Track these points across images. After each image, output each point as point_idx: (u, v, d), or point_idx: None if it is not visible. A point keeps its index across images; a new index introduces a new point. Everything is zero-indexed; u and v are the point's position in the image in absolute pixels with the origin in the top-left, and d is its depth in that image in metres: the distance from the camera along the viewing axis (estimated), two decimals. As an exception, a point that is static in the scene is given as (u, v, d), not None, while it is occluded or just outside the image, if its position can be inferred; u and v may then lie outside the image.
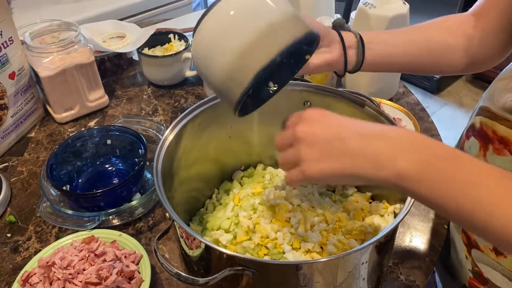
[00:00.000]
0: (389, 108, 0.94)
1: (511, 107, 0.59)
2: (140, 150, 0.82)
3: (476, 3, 0.68)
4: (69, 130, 0.99)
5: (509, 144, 0.60)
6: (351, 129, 0.45)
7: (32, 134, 0.99)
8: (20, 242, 0.75)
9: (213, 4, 0.49)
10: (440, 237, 0.75)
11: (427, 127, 0.95)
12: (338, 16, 1.21)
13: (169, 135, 0.63)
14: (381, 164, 0.42)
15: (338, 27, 0.67)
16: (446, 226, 0.76)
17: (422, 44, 0.68)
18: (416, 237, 0.75)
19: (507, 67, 0.66)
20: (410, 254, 0.72)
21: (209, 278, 0.49)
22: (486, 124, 0.64)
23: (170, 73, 1.07)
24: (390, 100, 1.00)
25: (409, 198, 0.53)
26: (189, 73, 1.11)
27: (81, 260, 0.64)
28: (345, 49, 0.64)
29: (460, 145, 0.76)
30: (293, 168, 0.46)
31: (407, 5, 0.91)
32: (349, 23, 1.12)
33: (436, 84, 2.49)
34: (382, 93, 1.01)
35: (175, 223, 0.53)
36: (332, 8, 1.16)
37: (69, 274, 0.62)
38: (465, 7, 2.08)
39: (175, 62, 1.06)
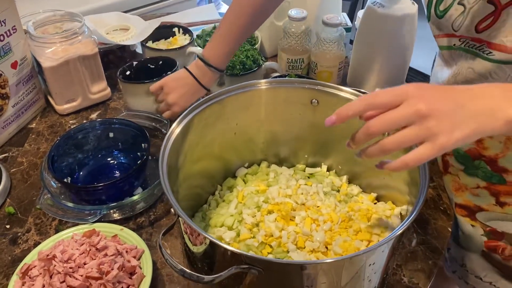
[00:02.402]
0: (394, 109, 0.93)
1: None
2: (143, 144, 0.81)
3: None
4: (70, 122, 0.98)
5: None
6: (463, 94, 0.48)
7: (33, 125, 0.98)
8: (19, 234, 0.74)
9: None
10: (443, 240, 0.74)
11: (431, 129, 0.95)
12: (344, 14, 1.20)
13: (175, 129, 0.62)
14: (496, 116, 0.46)
15: None
16: (449, 229, 0.76)
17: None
18: (419, 240, 0.74)
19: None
20: (413, 256, 0.71)
21: (215, 276, 0.48)
22: None
23: None
24: (395, 101, 0.99)
25: (419, 200, 0.52)
26: None
27: (82, 254, 0.63)
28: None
29: None
30: (421, 145, 0.47)
31: (416, 5, 0.91)
32: (354, 22, 1.11)
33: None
34: (387, 93, 1.00)
35: (180, 218, 0.52)
36: (339, 6, 1.15)
37: (70, 267, 0.61)
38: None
39: (179, 56, 1.04)
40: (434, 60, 0.81)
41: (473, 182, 0.74)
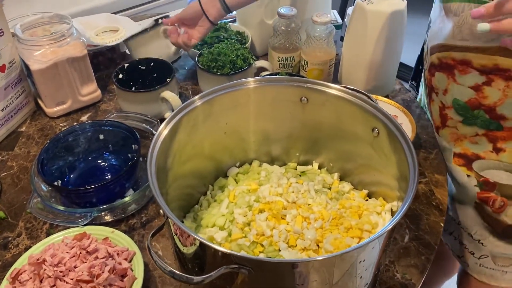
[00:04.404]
0: (385, 105, 0.93)
1: (460, 36, 0.73)
2: (133, 145, 0.81)
3: None
4: (61, 124, 0.98)
5: (469, 62, 0.73)
6: None
7: (23, 129, 0.97)
8: (10, 238, 0.74)
9: None
10: (436, 235, 0.74)
11: (423, 124, 0.95)
12: (335, 12, 1.20)
13: (163, 130, 0.61)
14: None
15: None
16: (442, 224, 0.76)
17: None
18: (412, 235, 0.74)
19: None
20: (406, 252, 0.71)
21: (204, 276, 0.48)
22: (444, 56, 0.77)
23: (161, 49, 1.04)
24: (386, 97, 1.00)
25: (408, 196, 0.52)
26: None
27: (73, 257, 0.63)
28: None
29: (427, 84, 0.86)
30: None
31: (405, 1, 0.91)
32: (345, 19, 1.11)
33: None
34: (378, 90, 1.00)
35: (169, 220, 0.52)
36: (329, 3, 1.15)
37: (60, 271, 0.60)
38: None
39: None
40: (428, 27, 0.85)
41: (472, 131, 0.78)
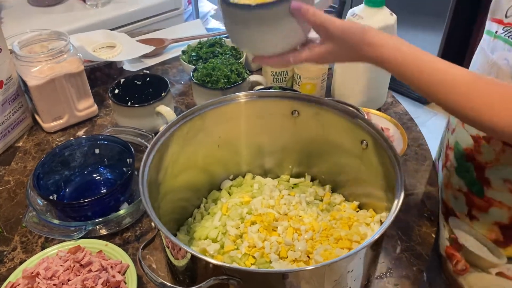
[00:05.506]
0: (377, 117, 0.95)
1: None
2: (128, 160, 0.82)
3: None
4: (57, 139, 0.99)
5: None
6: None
7: (20, 144, 0.98)
8: (5, 252, 0.75)
9: None
10: (427, 246, 0.75)
11: (414, 136, 0.96)
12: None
13: (155, 144, 0.62)
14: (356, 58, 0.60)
15: None
16: (433, 235, 0.77)
17: None
18: (403, 246, 0.75)
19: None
20: (397, 263, 0.72)
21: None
22: None
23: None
24: (379, 110, 1.01)
25: (394, 207, 0.53)
26: None
27: (66, 270, 0.63)
28: None
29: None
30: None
31: (395, 16, 0.92)
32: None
33: (426, 94, 2.50)
34: (371, 103, 1.01)
35: (161, 232, 0.53)
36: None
37: (54, 284, 0.61)
38: (453, 20, 2.11)
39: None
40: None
41: (458, 184, 0.76)
